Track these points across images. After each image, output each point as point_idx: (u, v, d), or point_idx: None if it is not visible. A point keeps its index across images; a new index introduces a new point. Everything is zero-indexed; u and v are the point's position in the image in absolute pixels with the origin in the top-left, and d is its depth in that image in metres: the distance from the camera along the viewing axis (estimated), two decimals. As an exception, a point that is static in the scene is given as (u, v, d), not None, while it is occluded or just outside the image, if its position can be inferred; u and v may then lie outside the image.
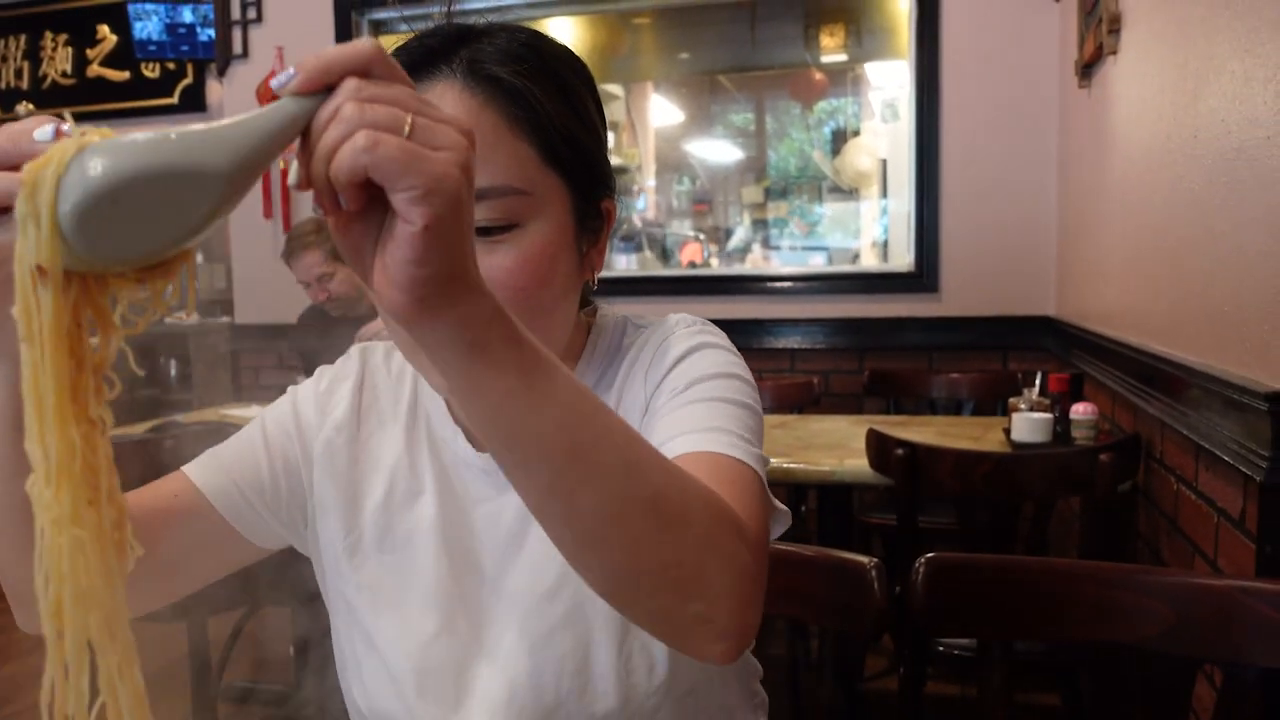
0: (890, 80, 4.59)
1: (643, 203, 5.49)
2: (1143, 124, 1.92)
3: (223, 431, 0.85)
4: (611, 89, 5.13)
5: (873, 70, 4.77)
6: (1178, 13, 1.68)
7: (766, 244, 5.22)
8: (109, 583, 0.42)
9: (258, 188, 3.73)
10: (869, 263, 4.78)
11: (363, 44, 0.44)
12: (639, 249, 5.01)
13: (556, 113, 0.66)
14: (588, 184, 0.71)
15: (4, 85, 5.54)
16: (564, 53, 0.71)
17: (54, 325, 0.41)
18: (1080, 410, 2.08)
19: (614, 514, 0.51)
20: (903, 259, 3.48)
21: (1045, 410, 2.11)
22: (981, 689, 1.04)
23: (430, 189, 0.42)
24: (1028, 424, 2.08)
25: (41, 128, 0.44)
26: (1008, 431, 2.16)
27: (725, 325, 0.81)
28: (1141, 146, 1.93)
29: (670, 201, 5.57)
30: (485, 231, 0.64)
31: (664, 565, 0.52)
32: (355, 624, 0.77)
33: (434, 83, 0.65)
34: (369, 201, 0.44)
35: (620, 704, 0.72)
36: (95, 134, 0.41)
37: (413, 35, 0.69)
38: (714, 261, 5.13)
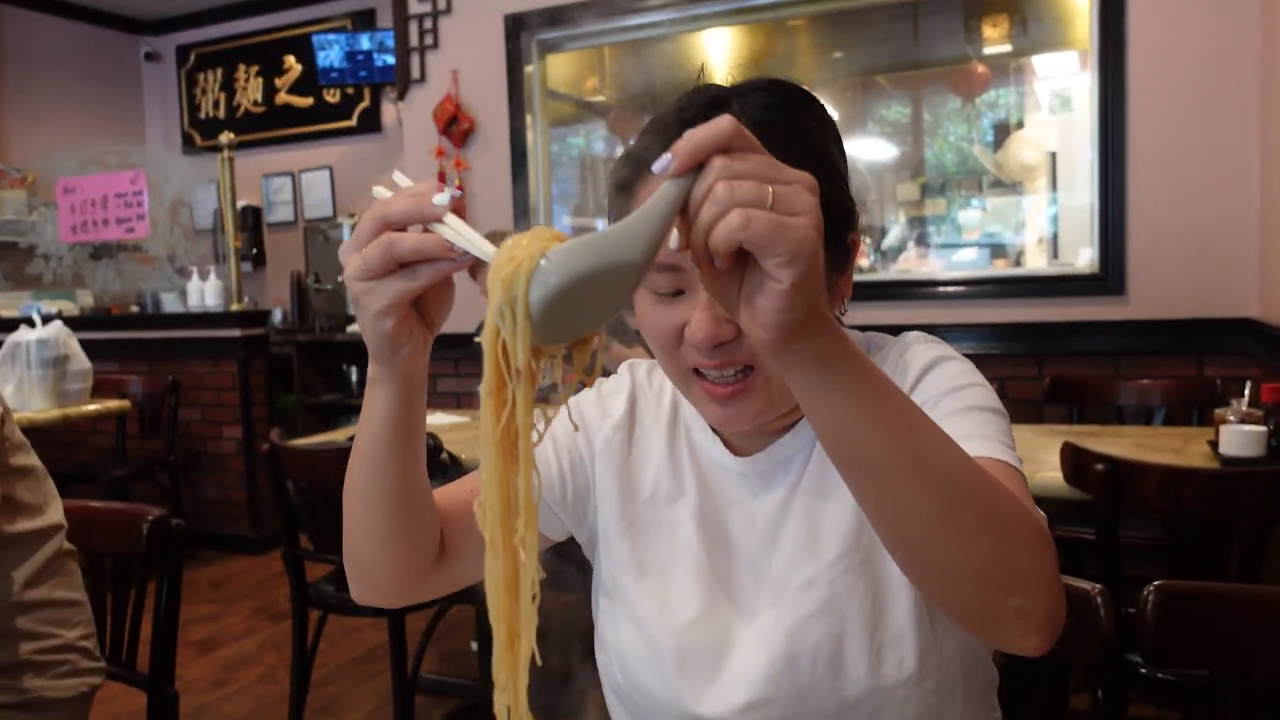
0: (1059, 70, 4.38)
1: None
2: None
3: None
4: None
5: (1039, 60, 4.56)
6: None
7: (922, 242, 5.07)
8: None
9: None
10: (1034, 260, 4.58)
11: (722, 124, 0.50)
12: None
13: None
14: (835, 226, 0.73)
15: (205, 115, 6.03)
16: (807, 103, 0.75)
17: (525, 404, 0.52)
18: (1299, 422, 1.94)
19: (944, 517, 0.57)
20: (1075, 255, 3.31)
21: (1258, 422, 1.98)
22: (1220, 725, 1.00)
23: (794, 254, 0.50)
24: (1239, 437, 1.95)
25: (440, 194, 0.55)
26: (1213, 444, 2.03)
27: (894, 332, 0.86)
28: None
29: (823, 201, 5.47)
30: None
31: (990, 560, 0.58)
32: (621, 603, 0.84)
33: None
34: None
35: (871, 690, 0.76)
36: (543, 234, 0.50)
37: (670, 108, 0.75)
38: (866, 258, 5.03)
